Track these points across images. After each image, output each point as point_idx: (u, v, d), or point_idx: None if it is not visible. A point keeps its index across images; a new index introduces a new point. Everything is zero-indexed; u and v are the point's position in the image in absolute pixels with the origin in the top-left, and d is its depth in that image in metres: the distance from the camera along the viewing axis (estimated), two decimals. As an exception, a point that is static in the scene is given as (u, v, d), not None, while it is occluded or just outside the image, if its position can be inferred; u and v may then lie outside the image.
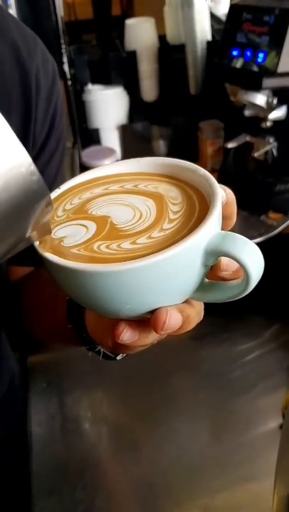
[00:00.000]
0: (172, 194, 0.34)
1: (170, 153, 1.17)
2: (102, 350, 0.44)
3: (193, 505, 0.66)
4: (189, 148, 1.17)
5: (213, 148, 1.12)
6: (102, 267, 0.28)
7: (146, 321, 0.32)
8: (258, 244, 0.85)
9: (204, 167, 1.09)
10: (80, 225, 0.33)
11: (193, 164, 0.37)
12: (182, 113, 1.18)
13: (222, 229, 0.31)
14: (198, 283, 0.32)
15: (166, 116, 1.19)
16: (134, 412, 0.81)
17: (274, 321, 0.94)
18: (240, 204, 1.07)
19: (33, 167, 0.27)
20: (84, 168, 1.01)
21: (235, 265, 0.31)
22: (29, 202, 0.28)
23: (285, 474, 0.50)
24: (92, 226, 0.33)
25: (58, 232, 0.33)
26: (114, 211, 0.34)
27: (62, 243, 0.32)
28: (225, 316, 0.95)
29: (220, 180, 1.02)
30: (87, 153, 1.03)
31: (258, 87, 0.83)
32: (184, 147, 1.17)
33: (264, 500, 0.63)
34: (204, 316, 0.34)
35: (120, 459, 0.73)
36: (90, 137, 1.08)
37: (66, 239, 0.32)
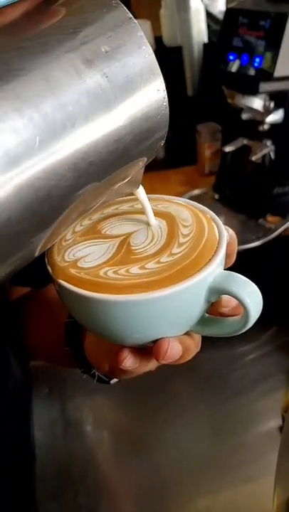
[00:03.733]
0: (183, 216, 0.35)
1: (168, 156, 1.17)
2: (96, 373, 0.45)
3: (195, 508, 0.67)
4: (187, 150, 1.17)
5: (211, 151, 1.12)
6: (109, 297, 0.29)
7: (148, 349, 0.33)
8: (256, 247, 0.86)
9: (202, 170, 1.09)
10: (97, 244, 0.34)
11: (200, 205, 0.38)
12: (179, 115, 1.18)
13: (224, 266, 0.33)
14: (200, 317, 0.33)
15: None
16: (134, 416, 0.82)
17: (272, 324, 0.95)
18: (238, 207, 1.07)
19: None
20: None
21: (234, 302, 0.33)
22: (159, 128, 0.29)
23: (284, 479, 0.51)
24: (112, 246, 0.33)
25: (71, 254, 0.33)
26: (130, 230, 0.35)
27: (76, 265, 0.32)
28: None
29: (218, 183, 1.04)
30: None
31: (254, 92, 0.83)
32: (181, 150, 1.17)
33: (264, 501, 0.63)
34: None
35: (122, 463, 0.74)
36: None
37: (81, 261, 0.32)
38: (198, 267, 0.30)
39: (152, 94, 0.28)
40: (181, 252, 0.32)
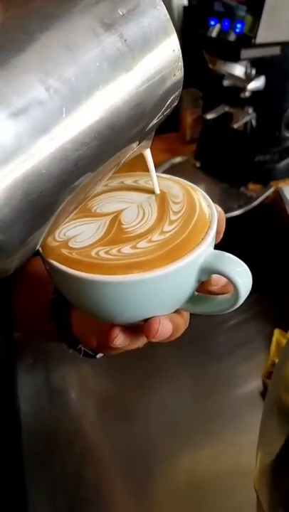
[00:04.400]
0: (173, 191, 0.36)
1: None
2: (83, 349, 0.45)
3: (179, 471, 0.70)
4: (168, 117, 1.15)
5: (192, 118, 1.11)
6: (102, 277, 0.29)
7: (138, 327, 0.34)
8: (238, 216, 0.86)
9: (184, 137, 1.08)
10: (88, 223, 0.33)
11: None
12: (160, 81, 1.16)
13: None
14: (190, 296, 0.34)
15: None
16: (119, 383, 0.84)
17: (253, 291, 0.97)
18: (220, 176, 1.06)
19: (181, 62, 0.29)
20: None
21: (224, 281, 0.34)
22: (176, 88, 0.30)
23: (267, 443, 0.53)
24: (102, 225, 0.33)
25: (61, 234, 0.33)
26: (120, 208, 0.34)
27: (68, 245, 0.32)
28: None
29: (199, 151, 1.03)
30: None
31: (236, 58, 0.82)
32: (162, 116, 1.16)
33: (246, 465, 0.66)
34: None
35: (108, 430, 0.75)
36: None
37: (72, 240, 0.32)
38: (190, 246, 0.31)
39: (168, 54, 0.29)
40: (172, 230, 0.32)
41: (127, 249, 0.31)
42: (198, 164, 1.05)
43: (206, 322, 0.93)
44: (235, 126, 0.90)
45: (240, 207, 0.91)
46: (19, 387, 0.78)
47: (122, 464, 0.71)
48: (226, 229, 0.98)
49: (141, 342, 0.37)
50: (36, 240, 0.28)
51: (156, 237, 0.31)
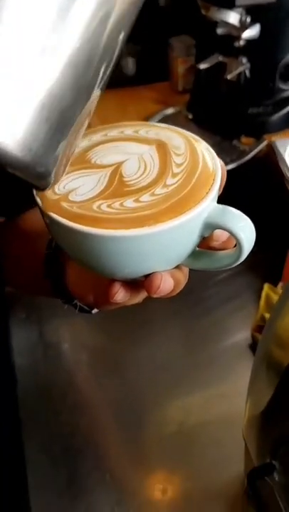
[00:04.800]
0: (175, 143, 0.34)
1: (139, 72, 1.12)
2: (78, 304, 0.45)
3: (170, 421, 0.72)
4: (159, 66, 1.12)
5: (184, 67, 1.07)
6: (105, 232, 0.29)
7: (139, 282, 0.34)
8: (231, 170, 0.85)
9: (176, 87, 1.05)
10: (88, 175, 0.33)
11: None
12: (151, 27, 1.11)
13: None
14: (192, 251, 0.33)
15: (133, 31, 1.12)
16: (112, 336, 0.85)
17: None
18: (212, 128, 1.04)
19: None
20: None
21: (225, 236, 0.33)
22: None
23: (256, 395, 0.54)
24: (103, 177, 0.32)
25: (61, 187, 0.32)
26: (121, 160, 0.33)
27: (68, 198, 0.31)
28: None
29: (192, 102, 1.01)
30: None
31: (231, 5, 0.78)
32: (153, 65, 1.12)
33: (235, 415, 0.68)
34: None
35: (100, 382, 0.77)
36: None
37: (72, 194, 0.31)
38: (194, 200, 0.30)
39: None
40: (175, 183, 0.31)
41: (129, 202, 0.30)
42: (190, 116, 1.02)
43: (196, 275, 0.94)
44: (229, 77, 0.88)
45: (232, 161, 0.90)
46: (13, 341, 0.80)
47: (114, 414, 0.74)
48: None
49: (140, 297, 0.37)
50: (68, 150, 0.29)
51: (159, 190, 0.31)
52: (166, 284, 0.33)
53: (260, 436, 0.52)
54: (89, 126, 1.01)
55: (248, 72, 0.90)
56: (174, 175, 0.32)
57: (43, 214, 0.31)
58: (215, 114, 0.98)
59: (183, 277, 0.35)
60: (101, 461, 0.68)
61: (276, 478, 0.49)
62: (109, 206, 0.30)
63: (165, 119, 1.03)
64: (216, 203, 0.32)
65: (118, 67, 1.07)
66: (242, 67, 0.88)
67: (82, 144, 0.35)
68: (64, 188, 0.32)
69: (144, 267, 0.32)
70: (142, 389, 0.77)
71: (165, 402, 0.74)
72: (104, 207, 0.30)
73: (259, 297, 0.85)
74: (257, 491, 0.48)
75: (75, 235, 0.30)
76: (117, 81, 1.12)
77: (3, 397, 0.67)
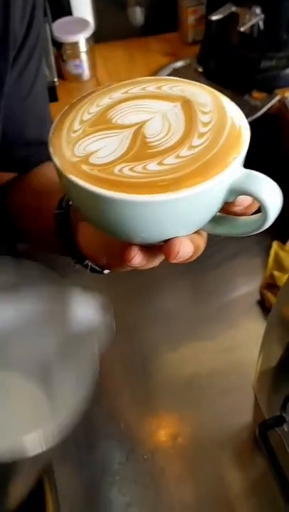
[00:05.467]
0: (201, 100, 0.33)
1: (147, 22, 1.09)
2: (89, 264, 0.45)
3: (182, 373, 0.75)
4: (168, 15, 1.08)
5: (194, 17, 1.04)
6: (127, 196, 0.28)
7: (156, 247, 0.34)
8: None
9: (185, 38, 1.02)
10: (109, 136, 0.31)
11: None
12: (159, -26, 1.07)
13: None
14: (213, 217, 0.33)
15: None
16: (121, 292, 0.87)
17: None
18: (223, 82, 1.02)
19: None
20: (57, 44, 0.94)
21: (248, 201, 0.33)
22: None
23: (268, 351, 0.56)
24: (125, 138, 0.31)
25: (81, 148, 0.31)
26: (143, 119, 0.32)
27: (88, 161, 0.30)
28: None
29: (202, 55, 0.99)
30: (59, 27, 0.94)
31: None
32: (162, 15, 1.08)
33: (245, 367, 0.71)
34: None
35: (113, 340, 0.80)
36: (60, 7, 0.98)
37: (92, 156, 0.30)
38: (221, 164, 0.29)
39: None
40: (201, 144, 0.30)
41: (153, 165, 0.29)
42: (200, 69, 1.00)
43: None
44: (242, 29, 0.85)
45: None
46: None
47: (126, 366, 0.76)
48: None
49: (157, 261, 0.36)
50: None
51: (184, 152, 0.29)
52: (186, 250, 0.32)
53: (270, 390, 0.55)
54: (97, 80, 0.99)
55: (261, 24, 0.87)
56: (201, 135, 0.30)
57: (61, 176, 0.30)
58: (226, 68, 0.96)
59: (202, 242, 0.35)
60: (115, 410, 0.71)
61: (285, 429, 0.51)
62: (131, 169, 0.29)
63: (174, 73, 1.01)
64: (242, 167, 0.31)
65: (125, 17, 1.04)
66: (255, 18, 0.86)
67: (103, 101, 0.33)
68: (84, 150, 0.30)
69: (165, 232, 0.32)
70: (153, 342, 0.79)
71: (175, 355, 0.76)
72: (126, 170, 0.29)
73: (268, 254, 0.86)
74: (267, 441, 0.51)
75: (95, 199, 0.29)
76: (124, 32, 1.09)
77: None
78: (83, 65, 0.97)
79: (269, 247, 0.87)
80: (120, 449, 0.68)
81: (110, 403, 0.72)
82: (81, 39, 0.93)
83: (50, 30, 0.90)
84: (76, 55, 0.95)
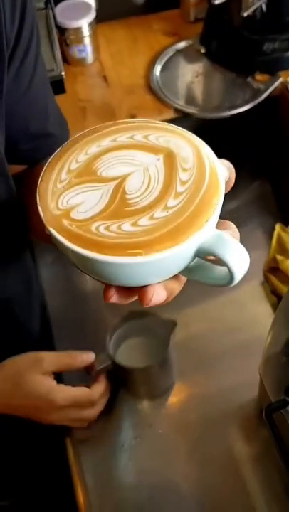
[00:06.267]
0: (184, 154, 0.34)
1: (149, 1, 1.08)
2: None
3: (190, 354, 0.79)
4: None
5: (196, -5, 1.03)
6: (98, 256, 0.29)
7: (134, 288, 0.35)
8: (244, 111, 0.86)
9: (187, 16, 1.03)
10: (91, 190, 0.32)
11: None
12: None
13: None
14: (186, 267, 0.34)
15: None
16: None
17: (256, 186, 1.00)
18: (226, 63, 1.03)
19: None
20: (60, 29, 0.94)
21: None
22: None
23: (275, 336, 0.60)
24: (106, 193, 0.32)
25: (64, 201, 0.32)
26: (126, 173, 0.33)
27: (69, 215, 0.31)
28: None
29: (204, 36, 1.01)
30: (61, 12, 0.94)
31: None
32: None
33: (250, 347, 0.76)
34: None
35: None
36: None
37: (74, 210, 0.32)
38: (192, 228, 0.30)
39: None
40: (176, 205, 0.31)
41: (127, 226, 0.30)
42: (202, 50, 1.01)
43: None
44: (245, 14, 0.86)
45: (246, 102, 0.91)
46: (44, 284, 0.86)
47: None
48: (232, 124, 0.99)
49: (136, 297, 0.36)
50: None
51: (158, 213, 0.31)
52: (159, 297, 0.33)
53: (276, 374, 0.60)
54: (100, 63, 0.99)
55: (264, 6, 0.88)
56: (177, 195, 0.31)
57: (44, 225, 0.32)
58: (228, 49, 0.97)
59: (178, 286, 0.36)
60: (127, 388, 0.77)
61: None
62: (106, 228, 0.30)
63: (177, 54, 1.01)
64: (214, 228, 0.32)
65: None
66: (259, 1, 0.86)
67: (91, 150, 0.35)
68: (67, 203, 0.32)
69: (137, 282, 0.33)
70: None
71: (184, 335, 0.80)
72: (102, 229, 0.30)
73: (271, 236, 0.89)
74: (273, 422, 0.56)
75: (71, 253, 0.30)
76: (125, 10, 1.08)
77: (37, 331, 0.74)
78: (87, 49, 0.98)
79: (272, 229, 0.90)
80: (137, 424, 0.74)
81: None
82: (84, 24, 0.94)
83: (54, 18, 0.90)
84: (79, 39, 0.96)
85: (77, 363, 0.63)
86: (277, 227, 0.88)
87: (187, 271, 0.34)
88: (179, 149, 0.34)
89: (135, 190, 0.32)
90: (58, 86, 0.81)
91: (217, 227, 0.33)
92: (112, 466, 0.71)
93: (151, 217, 0.30)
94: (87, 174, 0.33)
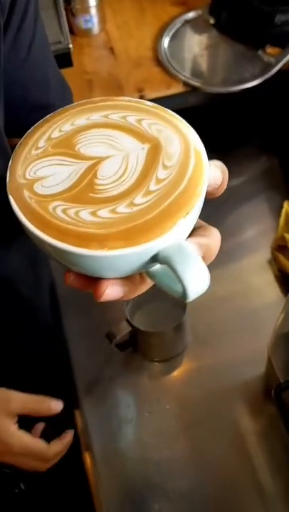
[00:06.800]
0: (171, 149, 0.31)
1: None
2: None
3: (199, 333, 0.80)
4: None
5: None
6: (46, 238, 0.28)
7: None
8: (254, 86, 0.85)
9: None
10: (63, 164, 0.30)
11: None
12: None
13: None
14: (145, 269, 0.31)
15: None
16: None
17: (264, 162, 0.99)
18: (236, 35, 1.01)
19: None
20: (67, -2, 0.92)
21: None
22: None
23: (286, 316, 0.61)
24: (76, 172, 0.30)
25: (32, 171, 0.31)
26: (104, 155, 0.31)
27: (32, 188, 0.30)
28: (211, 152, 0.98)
29: (214, 6, 0.99)
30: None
31: None
32: None
33: (258, 325, 0.77)
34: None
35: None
36: None
37: (38, 183, 0.30)
38: (151, 232, 0.27)
39: None
40: (143, 203, 0.28)
41: (85, 214, 0.28)
42: (212, 21, 0.98)
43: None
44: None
45: (255, 76, 0.89)
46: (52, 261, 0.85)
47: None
48: (241, 99, 0.97)
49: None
50: None
51: (122, 208, 0.28)
52: (113, 293, 0.30)
53: (285, 354, 0.60)
54: (106, 34, 0.97)
55: (276, -24, 0.85)
56: (148, 193, 0.29)
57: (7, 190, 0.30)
58: (239, 21, 0.94)
59: (141, 287, 0.32)
60: (139, 365, 0.78)
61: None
62: (64, 211, 0.28)
63: (186, 25, 0.99)
64: (180, 237, 0.29)
65: None
66: (271, -29, 0.83)
67: (78, 121, 0.32)
68: (35, 174, 0.30)
69: (89, 273, 0.30)
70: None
71: (194, 315, 0.81)
72: (59, 211, 0.28)
73: (279, 214, 0.88)
74: (281, 401, 0.57)
75: (23, 226, 0.29)
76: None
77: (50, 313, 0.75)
78: (93, 19, 0.95)
79: (279, 205, 0.89)
80: (145, 399, 0.75)
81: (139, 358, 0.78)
82: (91, -7, 0.91)
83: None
84: (86, 9, 0.93)
85: (44, 410, 0.62)
86: (286, 204, 0.87)
87: (147, 273, 0.32)
88: (168, 143, 0.31)
89: (107, 177, 0.30)
90: (65, 59, 0.80)
91: (196, 232, 0.32)
92: (120, 439, 0.72)
93: (113, 211, 0.28)
94: (66, 146, 0.31)
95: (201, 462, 0.70)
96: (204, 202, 0.30)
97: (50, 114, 0.33)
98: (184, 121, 0.33)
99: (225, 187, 0.34)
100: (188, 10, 1.00)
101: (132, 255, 0.27)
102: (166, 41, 0.95)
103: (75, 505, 0.78)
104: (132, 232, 0.27)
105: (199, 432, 0.72)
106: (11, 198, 0.30)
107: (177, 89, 0.89)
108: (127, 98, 0.34)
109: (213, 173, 0.32)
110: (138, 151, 0.30)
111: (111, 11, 1.01)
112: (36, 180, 0.30)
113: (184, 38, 0.97)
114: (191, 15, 1.00)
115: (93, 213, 0.28)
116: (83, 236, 0.27)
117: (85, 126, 0.32)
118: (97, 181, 0.29)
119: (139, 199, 0.28)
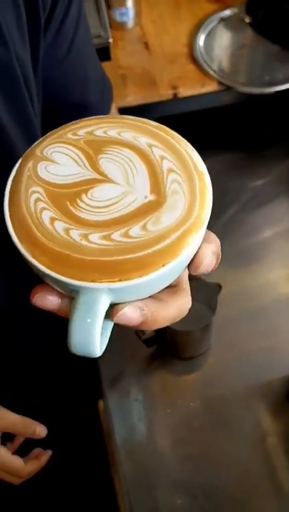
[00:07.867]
0: (166, 217, 0.28)
1: None
2: None
3: (222, 337, 0.81)
4: None
5: None
6: (24, 252, 0.27)
7: None
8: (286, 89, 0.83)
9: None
10: (75, 160, 0.30)
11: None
12: None
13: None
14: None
15: None
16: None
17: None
18: (271, 36, 1.00)
19: None
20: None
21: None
22: None
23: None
24: (81, 175, 0.29)
25: (54, 150, 0.30)
26: (109, 175, 0.29)
27: (39, 163, 0.30)
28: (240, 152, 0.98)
29: (251, 4, 0.99)
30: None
31: None
32: None
33: (280, 328, 0.77)
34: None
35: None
36: None
37: (46, 164, 0.30)
38: (91, 274, 0.26)
39: None
40: (113, 242, 0.27)
41: (75, 234, 0.27)
42: (247, 20, 0.98)
43: (237, 189, 0.97)
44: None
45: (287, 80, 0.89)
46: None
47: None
48: (273, 101, 0.96)
49: None
50: None
51: (92, 237, 0.27)
52: (128, 316, 0.28)
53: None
54: (141, 28, 0.97)
55: None
56: (124, 235, 0.27)
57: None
58: (275, 21, 0.94)
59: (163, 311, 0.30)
60: (162, 365, 0.78)
61: None
62: (52, 222, 0.27)
63: (221, 24, 0.98)
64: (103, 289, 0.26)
65: None
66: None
67: (111, 132, 0.31)
68: (51, 154, 0.30)
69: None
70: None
71: (219, 315, 0.81)
72: (46, 219, 0.27)
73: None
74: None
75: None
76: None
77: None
78: (129, 12, 0.95)
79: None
80: (169, 396, 0.76)
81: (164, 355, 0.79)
82: (129, -13, 0.91)
83: None
84: (122, 2, 0.93)
85: (28, 434, 0.63)
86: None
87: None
88: (171, 208, 0.28)
89: (94, 199, 0.28)
90: (104, 53, 0.79)
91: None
92: (144, 434, 0.73)
93: (84, 236, 0.27)
94: (94, 149, 0.30)
95: (221, 461, 0.70)
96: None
97: (87, 119, 0.32)
98: (202, 164, 0.30)
99: (219, 259, 0.31)
100: (225, 8, 1.00)
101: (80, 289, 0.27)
102: (201, 38, 0.95)
103: (99, 496, 0.80)
104: (107, 268, 0.26)
105: (221, 430, 0.73)
106: (19, 161, 0.30)
107: (212, 87, 0.89)
108: (155, 124, 0.31)
109: (209, 261, 0.30)
110: (140, 197, 0.28)
111: (147, 5, 1.00)
112: (46, 160, 0.29)
113: (219, 36, 0.97)
114: (227, 13, 0.99)
115: (84, 236, 0.27)
116: (52, 257, 0.26)
117: (115, 140, 0.30)
118: (84, 197, 0.28)
119: (116, 236, 0.27)
